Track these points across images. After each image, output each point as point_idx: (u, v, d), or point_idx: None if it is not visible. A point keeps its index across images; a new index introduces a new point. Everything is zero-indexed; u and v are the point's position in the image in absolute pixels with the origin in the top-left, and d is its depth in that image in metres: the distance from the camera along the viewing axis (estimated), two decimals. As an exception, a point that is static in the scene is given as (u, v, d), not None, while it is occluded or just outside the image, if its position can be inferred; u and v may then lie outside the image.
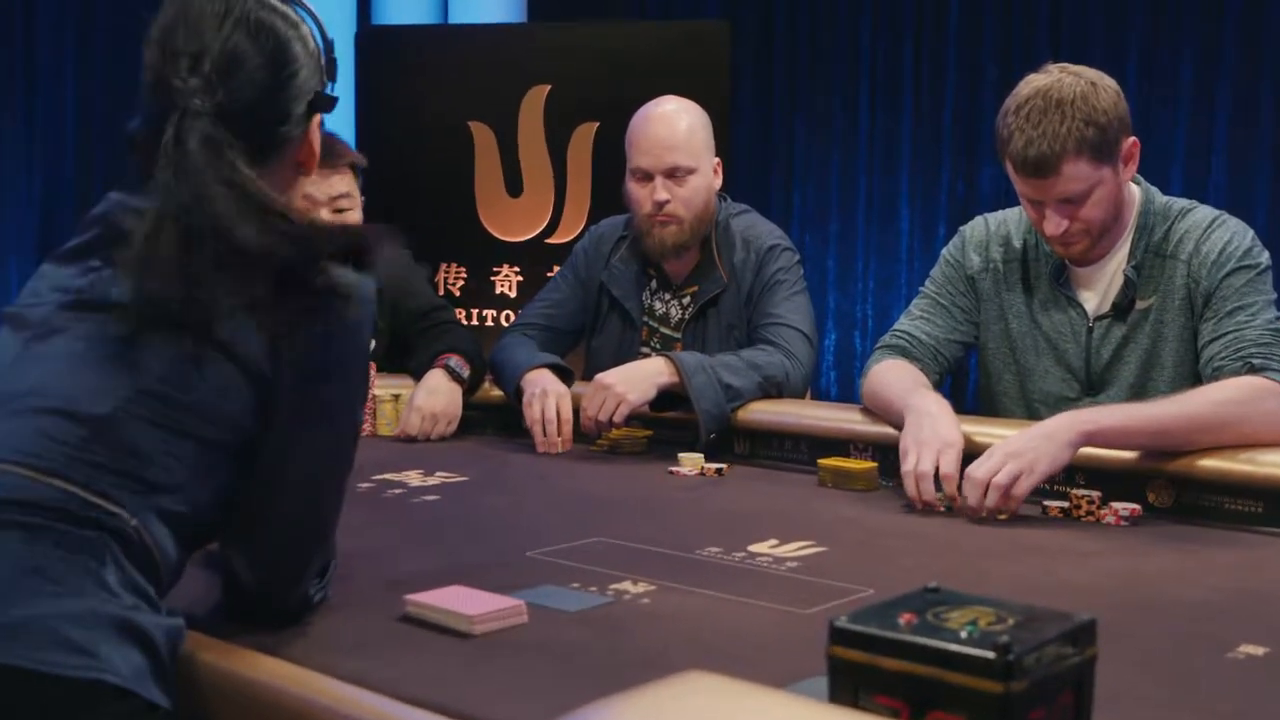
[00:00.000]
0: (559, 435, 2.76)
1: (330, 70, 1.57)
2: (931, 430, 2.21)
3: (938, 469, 2.16)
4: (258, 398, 1.40)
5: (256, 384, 1.39)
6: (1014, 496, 2.07)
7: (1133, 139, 2.37)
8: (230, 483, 1.42)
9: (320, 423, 1.44)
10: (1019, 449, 2.09)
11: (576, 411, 2.79)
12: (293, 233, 1.39)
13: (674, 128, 2.98)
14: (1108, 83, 2.34)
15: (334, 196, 3.01)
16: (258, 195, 1.39)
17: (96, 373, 1.36)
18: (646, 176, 2.98)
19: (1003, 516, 2.10)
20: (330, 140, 3.03)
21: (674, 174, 2.96)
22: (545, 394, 2.79)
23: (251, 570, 1.46)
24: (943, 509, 2.16)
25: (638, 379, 2.74)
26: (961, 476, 2.13)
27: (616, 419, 2.72)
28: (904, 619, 1.06)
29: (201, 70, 1.43)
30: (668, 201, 2.95)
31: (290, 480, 1.43)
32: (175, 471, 1.36)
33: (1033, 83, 2.33)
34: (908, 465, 2.18)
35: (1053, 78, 2.32)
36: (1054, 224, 2.35)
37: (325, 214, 3.00)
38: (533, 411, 2.79)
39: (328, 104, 1.56)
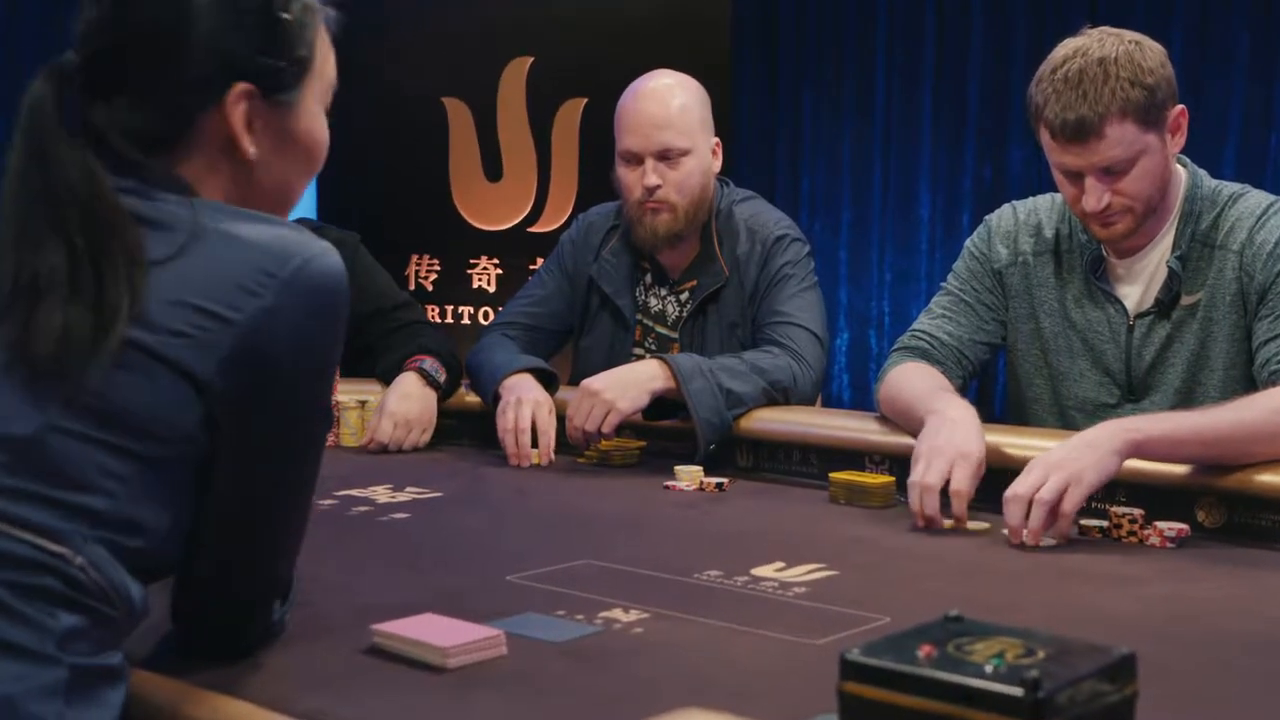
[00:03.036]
0: (535, 447, 2.76)
1: (276, 32, 1.47)
2: (948, 438, 2.21)
3: (947, 483, 2.16)
4: (203, 404, 1.33)
5: (195, 387, 1.33)
6: (1063, 513, 2.04)
7: (1180, 107, 2.38)
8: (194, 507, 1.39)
9: (274, 429, 1.38)
10: (1060, 460, 2.07)
11: (560, 419, 2.79)
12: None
13: (665, 104, 2.99)
14: (1153, 44, 2.35)
15: None
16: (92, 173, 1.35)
17: (17, 387, 1.30)
18: (636, 159, 2.99)
19: (1050, 541, 2.07)
20: None
21: (666, 156, 2.97)
22: (520, 402, 2.79)
23: (202, 600, 1.44)
24: (946, 526, 2.16)
25: (629, 384, 2.75)
26: (990, 495, 2.13)
27: (606, 429, 2.72)
28: (923, 651, 1.06)
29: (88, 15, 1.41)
30: (659, 186, 2.96)
31: (240, 496, 1.39)
32: (119, 497, 1.30)
33: (1070, 44, 2.35)
34: (914, 474, 2.19)
35: (1092, 38, 2.34)
36: (1095, 197, 2.36)
37: None
38: (504, 420, 2.79)
39: (260, 74, 1.45)
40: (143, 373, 1.31)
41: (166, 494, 1.35)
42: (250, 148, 1.46)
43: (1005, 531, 2.09)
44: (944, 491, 2.17)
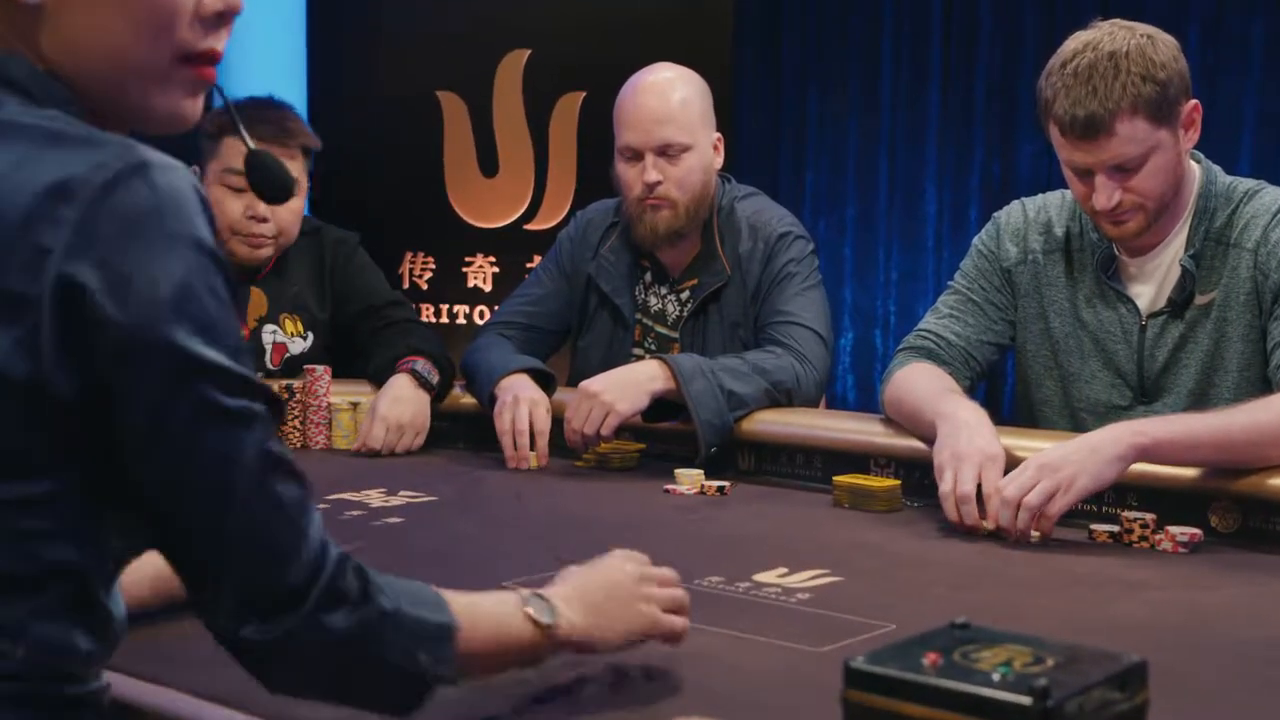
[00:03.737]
0: (532, 449, 2.77)
1: None
2: (969, 442, 2.21)
3: (979, 487, 2.16)
4: (33, 411, 1.08)
5: (21, 393, 1.07)
6: (1046, 516, 2.07)
7: (1194, 102, 2.38)
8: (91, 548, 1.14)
9: (180, 393, 1.10)
10: (1056, 462, 2.09)
11: (557, 421, 2.79)
12: None
13: (666, 99, 2.99)
14: (1165, 37, 2.35)
15: None
16: None
17: None
18: (636, 155, 2.99)
19: (1035, 538, 2.10)
20: (282, 116, 3.08)
21: (666, 151, 2.97)
22: (517, 401, 2.79)
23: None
24: (988, 531, 2.16)
25: (628, 385, 2.75)
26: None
27: (605, 431, 2.72)
28: (929, 659, 1.07)
29: None
30: (659, 182, 2.96)
31: (183, 502, 1.13)
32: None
33: (1081, 37, 2.35)
34: (946, 485, 2.18)
35: (1103, 31, 2.34)
36: (1105, 195, 2.36)
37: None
38: (502, 421, 2.79)
39: None
40: None
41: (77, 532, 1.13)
42: None
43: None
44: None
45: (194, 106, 1.24)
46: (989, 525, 2.15)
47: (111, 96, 1.18)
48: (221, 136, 3.07)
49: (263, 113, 3.09)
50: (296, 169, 3.10)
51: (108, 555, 1.17)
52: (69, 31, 1.15)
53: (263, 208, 3.07)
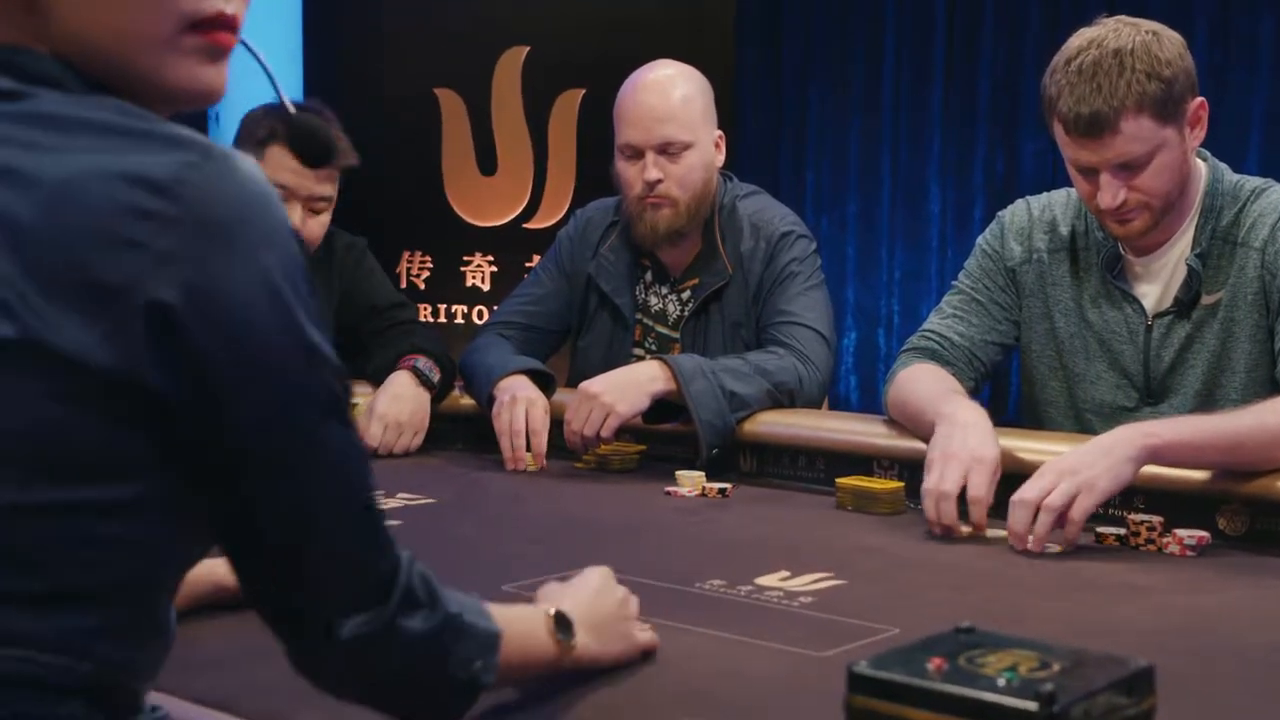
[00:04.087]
0: (530, 449, 2.76)
1: None
2: (961, 443, 2.21)
3: (964, 489, 2.16)
4: (126, 408, 1.04)
5: (108, 387, 1.02)
6: (1071, 520, 2.05)
7: (1200, 99, 2.38)
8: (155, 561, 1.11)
9: (264, 406, 1.08)
10: (1074, 465, 2.08)
11: (557, 423, 2.79)
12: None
13: (667, 96, 2.99)
14: (1171, 34, 2.35)
15: (317, 197, 3.08)
16: None
17: None
18: (636, 153, 2.99)
19: (1056, 549, 2.08)
20: (329, 138, 3.09)
21: (667, 149, 2.97)
22: (514, 401, 2.80)
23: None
24: (965, 534, 2.16)
25: (628, 386, 2.75)
26: (1000, 500, 2.13)
27: (605, 433, 2.72)
28: (933, 664, 1.07)
29: None
30: (660, 181, 2.96)
31: (269, 518, 1.11)
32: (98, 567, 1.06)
33: (1085, 34, 2.35)
34: (929, 481, 2.19)
35: (1108, 28, 2.34)
36: (1110, 194, 2.36)
37: (298, 211, 3.08)
38: (500, 421, 2.79)
39: None
40: (12, 379, 1.02)
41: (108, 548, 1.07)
42: None
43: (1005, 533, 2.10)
44: (960, 498, 2.18)
45: (216, 75, 1.20)
46: (966, 530, 2.16)
47: (127, 75, 1.15)
48: (267, 144, 3.08)
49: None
50: (334, 187, 3.14)
51: (176, 567, 1.15)
52: (68, 13, 1.12)
53: (297, 220, 3.08)
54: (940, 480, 2.17)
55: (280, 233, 1.09)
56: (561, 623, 1.39)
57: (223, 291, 1.04)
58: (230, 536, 1.13)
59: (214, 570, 1.51)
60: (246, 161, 1.09)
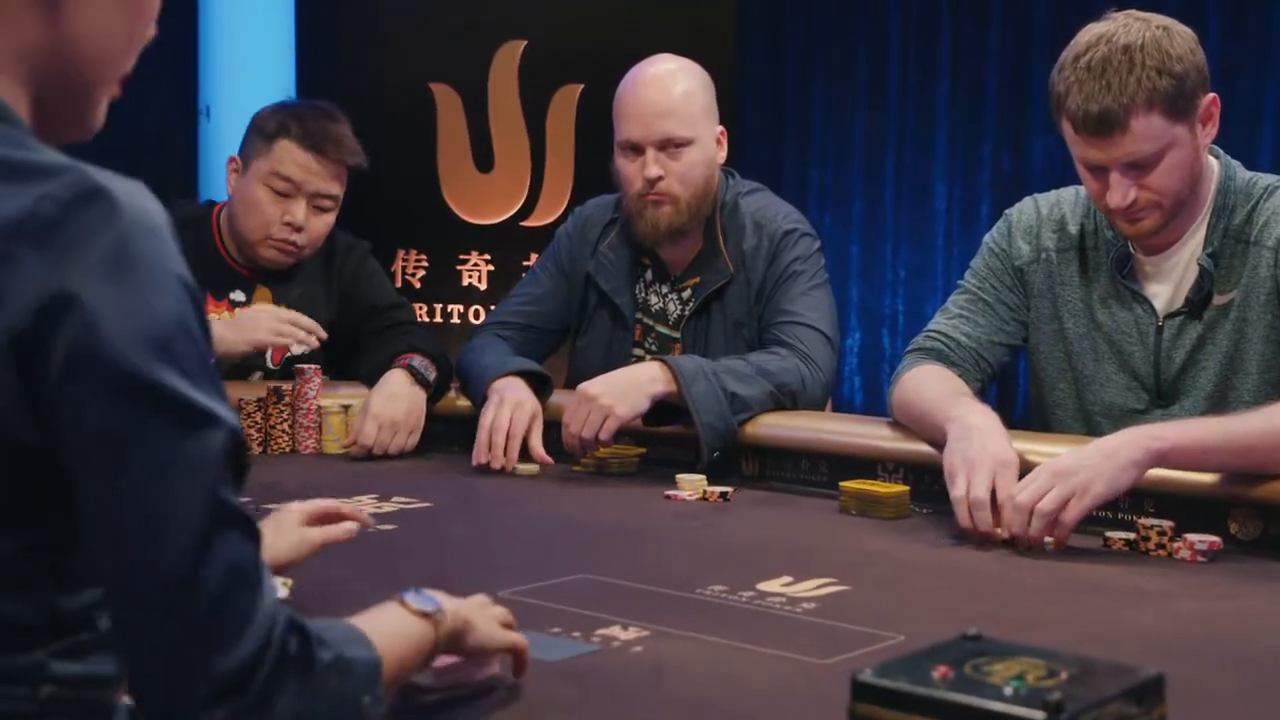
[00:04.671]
0: (507, 452, 2.77)
1: None
2: (982, 447, 2.21)
3: (993, 493, 2.16)
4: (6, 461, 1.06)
5: None
6: (1061, 524, 2.08)
7: (1212, 95, 2.38)
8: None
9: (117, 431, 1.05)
10: (1070, 468, 2.09)
11: (555, 425, 2.79)
12: None
13: (667, 91, 2.99)
14: (1182, 29, 2.35)
15: (323, 195, 3.11)
16: None
17: None
18: (636, 150, 2.99)
19: (1049, 547, 2.11)
20: (341, 134, 3.13)
21: (668, 146, 2.97)
22: (502, 402, 2.80)
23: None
24: (1002, 539, 2.16)
25: (628, 388, 2.75)
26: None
27: (603, 435, 2.72)
28: (939, 672, 1.07)
29: None
30: (661, 178, 2.96)
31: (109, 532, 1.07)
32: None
33: (1094, 29, 2.35)
34: (959, 489, 2.18)
35: (1117, 23, 2.34)
36: (1120, 194, 2.36)
37: (301, 206, 3.12)
38: (483, 417, 2.80)
39: None
40: None
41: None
42: None
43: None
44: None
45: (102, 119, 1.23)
46: (1003, 533, 2.15)
47: (68, 103, 1.17)
48: (278, 138, 3.12)
49: (317, 120, 3.15)
50: (339, 187, 3.18)
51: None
52: (78, 28, 1.14)
53: (301, 216, 3.11)
54: (971, 487, 2.16)
55: (165, 274, 1.06)
56: (417, 596, 1.35)
57: (95, 342, 1.02)
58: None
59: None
60: (132, 193, 1.06)
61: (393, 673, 1.25)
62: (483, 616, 1.44)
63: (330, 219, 3.20)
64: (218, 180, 3.83)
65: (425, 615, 1.33)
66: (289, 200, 3.11)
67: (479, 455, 2.79)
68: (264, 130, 3.14)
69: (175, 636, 1.06)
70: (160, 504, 1.05)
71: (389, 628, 1.29)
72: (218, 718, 1.06)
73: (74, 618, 1.10)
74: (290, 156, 3.10)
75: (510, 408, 2.80)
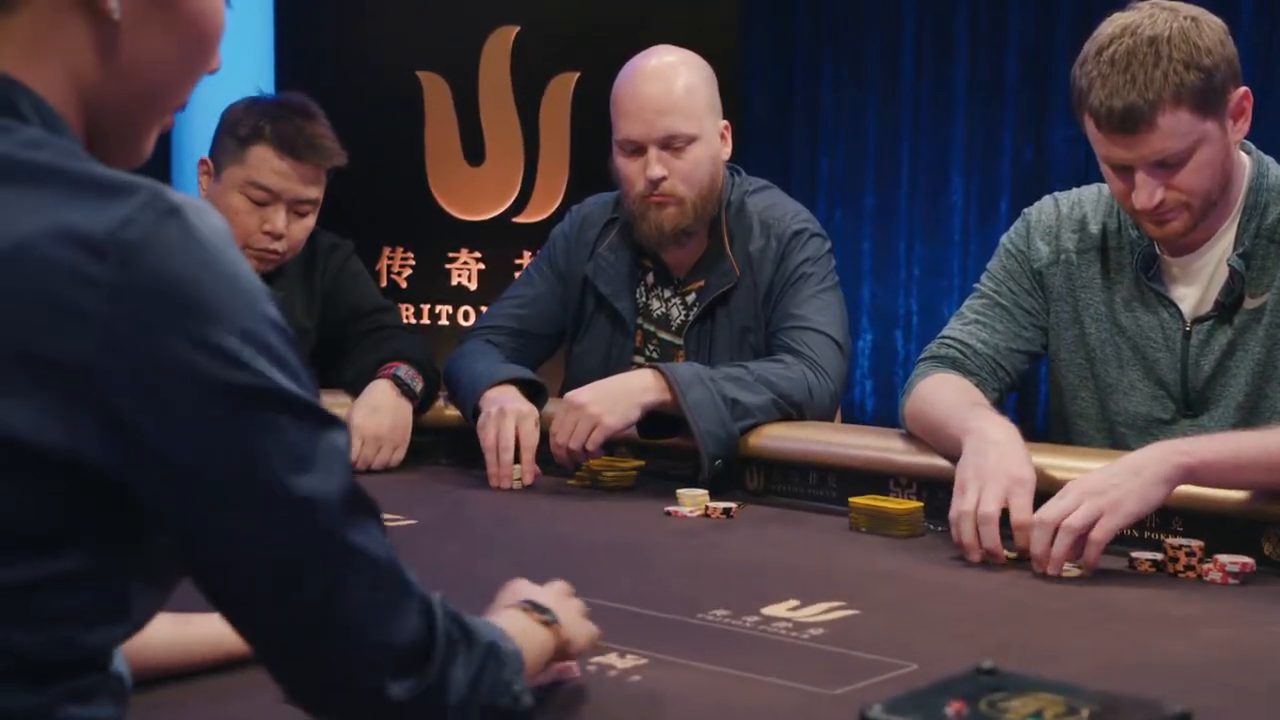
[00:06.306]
0: (516, 464, 2.76)
1: None
2: (997, 462, 2.21)
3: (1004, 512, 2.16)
4: (68, 483, 1.06)
5: (51, 465, 1.05)
6: (1092, 541, 2.05)
7: (1243, 89, 2.37)
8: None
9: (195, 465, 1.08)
10: (1099, 486, 2.09)
11: (543, 437, 2.79)
12: None
13: (669, 86, 2.98)
14: (1211, 19, 2.35)
15: (301, 200, 3.10)
16: None
17: None
18: (637, 148, 2.98)
19: (1075, 572, 2.09)
20: (315, 130, 3.11)
21: (670, 143, 2.96)
22: (503, 414, 2.79)
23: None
24: (1006, 559, 2.16)
25: (618, 397, 2.74)
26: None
27: (590, 446, 2.72)
28: (952, 708, 1.07)
29: None
30: (664, 178, 2.96)
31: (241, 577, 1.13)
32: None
33: (1118, 20, 2.35)
34: (966, 503, 2.17)
35: (1143, 14, 2.33)
36: (1146, 194, 2.35)
37: (281, 214, 3.11)
38: (487, 435, 2.79)
39: None
40: None
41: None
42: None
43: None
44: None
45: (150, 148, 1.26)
46: (1009, 554, 2.15)
47: (119, 131, 1.20)
48: (251, 144, 3.09)
49: (293, 121, 3.11)
50: (318, 190, 3.16)
51: (131, 630, 1.16)
52: (135, 58, 1.17)
53: (280, 224, 3.10)
54: (982, 502, 2.16)
55: (236, 282, 1.09)
56: (537, 608, 1.46)
57: (175, 370, 1.05)
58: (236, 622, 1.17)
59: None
60: (202, 211, 1.09)
61: (529, 672, 1.34)
62: (575, 618, 1.55)
63: (310, 222, 3.19)
64: (189, 176, 3.82)
65: (548, 624, 1.45)
66: (267, 208, 3.09)
67: (498, 481, 2.77)
68: (236, 134, 3.11)
69: (344, 626, 1.14)
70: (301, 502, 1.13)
71: (516, 631, 1.37)
72: (401, 692, 1.15)
73: (88, 657, 1.11)
74: (267, 164, 3.07)
75: (513, 420, 2.79)
